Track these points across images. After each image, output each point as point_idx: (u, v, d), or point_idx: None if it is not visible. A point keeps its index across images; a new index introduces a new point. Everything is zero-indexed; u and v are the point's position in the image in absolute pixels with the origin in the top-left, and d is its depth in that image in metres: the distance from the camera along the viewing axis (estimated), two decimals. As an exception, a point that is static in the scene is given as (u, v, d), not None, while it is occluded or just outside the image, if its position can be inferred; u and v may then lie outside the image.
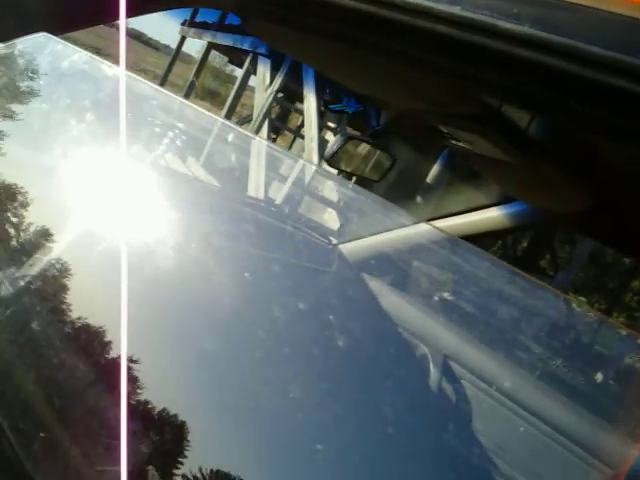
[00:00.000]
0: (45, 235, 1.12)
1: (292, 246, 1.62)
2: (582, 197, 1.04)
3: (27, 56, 1.38)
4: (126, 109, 0.71)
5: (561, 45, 0.38)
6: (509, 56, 0.42)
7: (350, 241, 1.86)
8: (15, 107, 1.43)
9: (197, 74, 10.98)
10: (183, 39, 11.93)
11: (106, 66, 1.23)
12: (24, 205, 1.16)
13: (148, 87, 1.23)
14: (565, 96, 0.43)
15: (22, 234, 1.14)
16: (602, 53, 0.37)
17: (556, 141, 0.89)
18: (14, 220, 1.14)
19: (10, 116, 1.41)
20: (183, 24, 11.64)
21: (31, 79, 1.42)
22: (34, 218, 1.14)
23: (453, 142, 0.95)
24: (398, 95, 0.82)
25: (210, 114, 1.33)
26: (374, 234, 1.83)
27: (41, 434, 0.89)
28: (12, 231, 1.15)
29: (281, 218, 1.90)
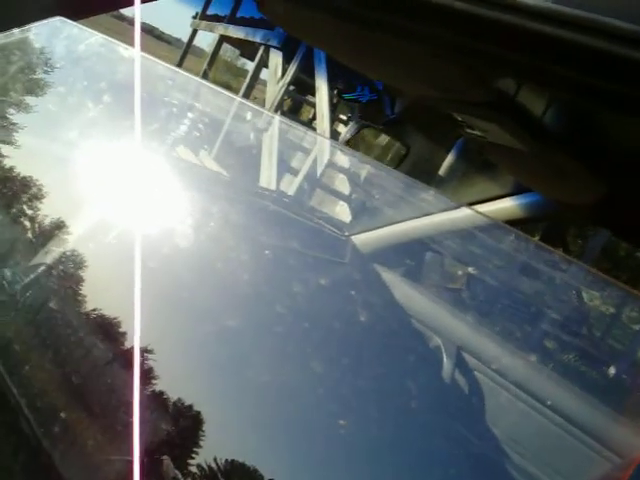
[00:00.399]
0: (62, 221, 1.12)
1: (306, 237, 1.62)
2: (597, 189, 1.03)
3: (43, 40, 1.39)
4: (143, 90, 0.71)
5: (580, 19, 0.38)
6: (527, 32, 0.42)
7: (363, 232, 1.86)
8: (32, 90, 1.44)
9: (209, 67, 10.97)
10: (195, 32, 11.93)
11: (122, 48, 1.23)
12: (41, 192, 1.17)
13: (164, 68, 1.24)
14: (585, 73, 0.42)
15: (39, 221, 1.15)
16: (625, 27, 0.36)
17: (572, 130, 0.89)
18: (30, 207, 1.15)
19: (27, 100, 1.42)
20: (195, 17, 11.64)
21: (48, 63, 1.43)
22: (51, 205, 1.15)
23: (468, 131, 0.94)
24: (413, 81, 0.81)
25: (227, 93, 1.33)
26: (387, 225, 1.83)
27: (59, 413, 0.90)
28: (29, 218, 1.16)
29: (295, 210, 1.90)
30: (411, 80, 0.82)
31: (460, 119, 0.91)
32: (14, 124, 1.33)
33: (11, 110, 1.39)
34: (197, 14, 11.57)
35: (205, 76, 10.88)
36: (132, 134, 0.74)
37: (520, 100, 0.82)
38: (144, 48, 0.88)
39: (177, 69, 1.40)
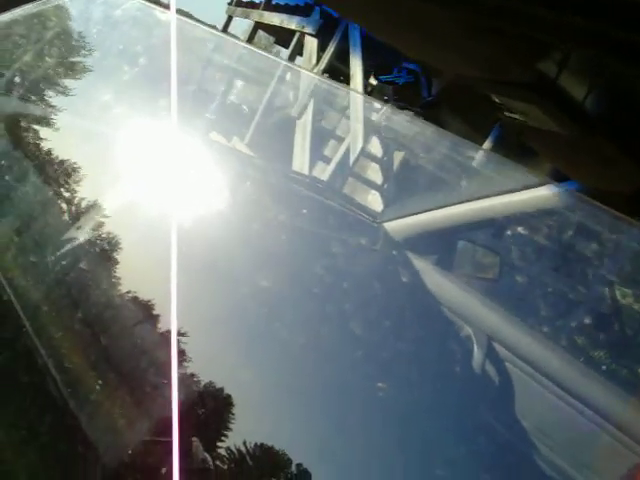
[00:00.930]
0: (99, 190, 1.14)
1: (338, 223, 1.62)
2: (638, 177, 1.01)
3: (79, 5, 1.40)
4: (182, 53, 0.71)
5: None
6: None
7: (394, 219, 1.85)
8: (69, 56, 1.45)
9: (242, 57, 10.93)
10: (230, 19, 11.93)
11: (159, 12, 1.24)
12: (78, 161, 1.18)
13: (202, 30, 1.24)
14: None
15: (76, 190, 1.16)
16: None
17: (614, 115, 0.86)
18: (68, 174, 1.16)
19: (64, 66, 1.43)
20: (230, 3, 11.64)
21: (84, 28, 1.44)
22: (86, 179, 1.17)
23: (507, 114, 0.93)
24: (452, 59, 0.80)
25: (269, 55, 1.32)
26: (419, 212, 1.81)
27: (87, 374, 0.91)
28: (67, 185, 1.17)
29: (327, 196, 1.90)
30: (451, 58, 0.80)
31: (499, 101, 0.90)
32: (50, 90, 1.34)
33: (48, 76, 1.40)
34: (232, 0, 11.57)
35: (239, 63, 10.84)
36: (169, 99, 0.74)
37: (562, 83, 0.80)
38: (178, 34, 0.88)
39: (215, 31, 1.40)
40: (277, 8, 9.47)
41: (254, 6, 10.65)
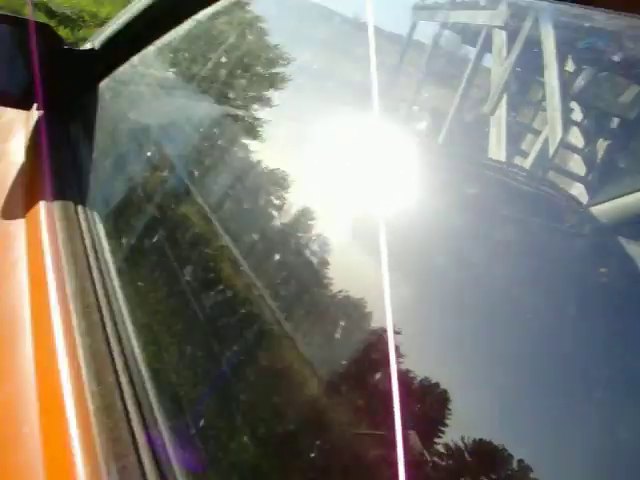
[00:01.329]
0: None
1: (542, 210, 1.57)
2: None
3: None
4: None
5: None
6: None
7: (602, 202, 1.75)
8: (265, 49, 1.49)
9: (430, 59, 10.88)
10: (415, 25, 11.94)
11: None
12: (282, 161, 1.25)
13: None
14: None
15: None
16: None
17: None
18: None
19: (260, 60, 1.48)
20: (415, 8, 11.66)
21: (283, 16, 1.48)
22: (288, 175, 1.24)
23: None
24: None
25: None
26: (629, 193, 1.70)
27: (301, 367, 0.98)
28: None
29: (530, 183, 1.85)
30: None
31: None
32: (248, 85, 1.42)
33: (244, 71, 1.48)
34: (416, 5, 11.57)
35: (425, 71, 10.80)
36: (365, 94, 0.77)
37: None
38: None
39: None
40: (463, 5, 9.33)
41: (440, 6, 10.58)
